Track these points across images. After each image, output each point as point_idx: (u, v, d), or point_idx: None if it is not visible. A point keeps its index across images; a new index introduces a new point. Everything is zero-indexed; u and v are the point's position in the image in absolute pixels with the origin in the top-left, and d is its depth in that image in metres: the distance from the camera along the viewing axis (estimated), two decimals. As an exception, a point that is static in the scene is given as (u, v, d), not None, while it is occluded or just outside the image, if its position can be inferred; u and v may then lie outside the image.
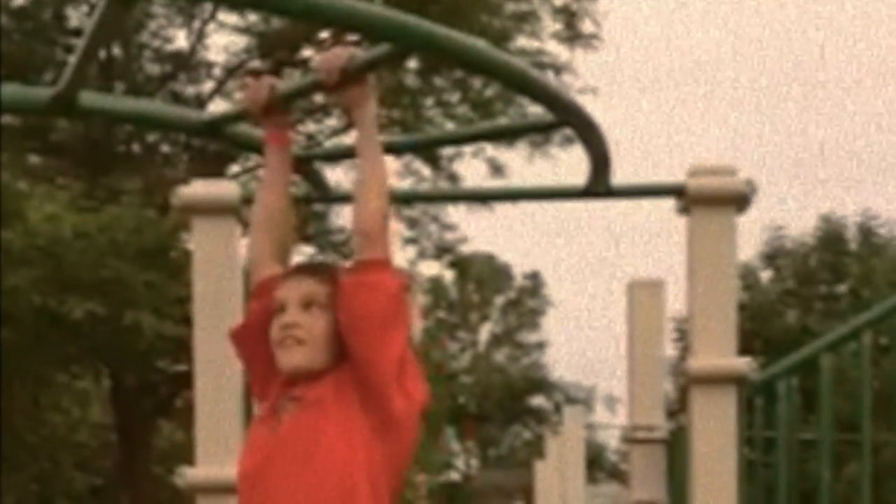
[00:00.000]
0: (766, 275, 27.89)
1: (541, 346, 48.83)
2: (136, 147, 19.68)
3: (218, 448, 4.41)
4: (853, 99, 72.52)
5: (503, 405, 45.47)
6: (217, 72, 20.40)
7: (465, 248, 26.20)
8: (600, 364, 67.87)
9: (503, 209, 25.22)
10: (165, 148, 20.08)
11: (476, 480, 42.57)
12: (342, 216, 20.89)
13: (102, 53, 17.63)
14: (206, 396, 4.45)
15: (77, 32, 18.29)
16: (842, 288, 27.29)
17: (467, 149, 20.19)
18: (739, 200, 4.51)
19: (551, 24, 19.85)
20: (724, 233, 4.51)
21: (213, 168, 17.95)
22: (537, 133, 17.02)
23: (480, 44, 3.26)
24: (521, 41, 19.64)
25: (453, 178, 20.87)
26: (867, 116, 69.40)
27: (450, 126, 20.03)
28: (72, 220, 14.92)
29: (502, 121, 19.36)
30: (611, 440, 44.39)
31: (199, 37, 19.99)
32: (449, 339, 43.82)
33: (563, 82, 19.13)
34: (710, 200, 4.50)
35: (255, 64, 19.18)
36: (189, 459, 4.51)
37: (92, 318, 14.94)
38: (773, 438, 5.99)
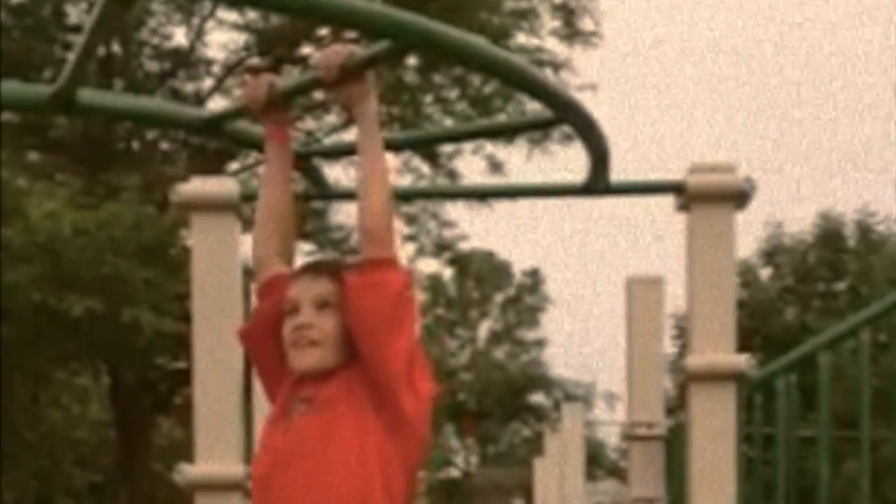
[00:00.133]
0: (765, 272, 27.91)
1: (540, 343, 48.80)
2: (135, 144, 19.69)
3: (217, 445, 4.41)
4: (852, 96, 72.56)
5: (502, 402, 45.44)
6: (216, 69, 20.42)
7: (465, 245, 26.28)
8: (599, 361, 68.00)
9: (502, 206, 25.26)
10: (165, 145, 20.09)
11: (475, 477, 42.59)
12: (341, 213, 20.93)
13: (102, 50, 17.64)
14: (206, 393, 4.45)
15: (76, 29, 18.29)
16: (840, 285, 27.32)
17: (466, 146, 20.16)
18: (738, 197, 4.51)
19: (550, 22, 19.88)
20: (724, 230, 4.51)
21: (213, 165, 17.98)
22: (536, 130, 16.96)
23: (480, 41, 3.25)
24: (521, 38, 19.67)
25: (452, 174, 20.89)
26: (865, 113, 69.44)
27: (449, 123, 20.03)
28: (71, 217, 14.92)
29: (501, 118, 19.38)
30: (610, 437, 44.49)
31: (199, 34, 20.00)
32: (448, 336, 43.84)
33: (562, 79, 19.13)
34: (709, 197, 4.51)
35: (255, 61, 19.16)
36: (188, 456, 4.51)
37: (91, 315, 14.95)
38: (772, 435, 5.99)
